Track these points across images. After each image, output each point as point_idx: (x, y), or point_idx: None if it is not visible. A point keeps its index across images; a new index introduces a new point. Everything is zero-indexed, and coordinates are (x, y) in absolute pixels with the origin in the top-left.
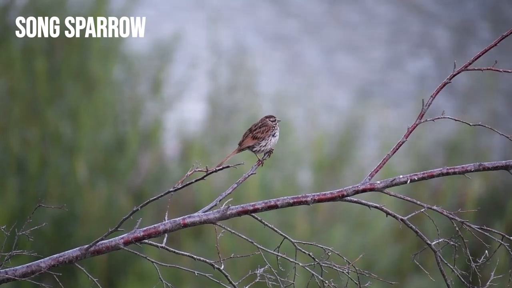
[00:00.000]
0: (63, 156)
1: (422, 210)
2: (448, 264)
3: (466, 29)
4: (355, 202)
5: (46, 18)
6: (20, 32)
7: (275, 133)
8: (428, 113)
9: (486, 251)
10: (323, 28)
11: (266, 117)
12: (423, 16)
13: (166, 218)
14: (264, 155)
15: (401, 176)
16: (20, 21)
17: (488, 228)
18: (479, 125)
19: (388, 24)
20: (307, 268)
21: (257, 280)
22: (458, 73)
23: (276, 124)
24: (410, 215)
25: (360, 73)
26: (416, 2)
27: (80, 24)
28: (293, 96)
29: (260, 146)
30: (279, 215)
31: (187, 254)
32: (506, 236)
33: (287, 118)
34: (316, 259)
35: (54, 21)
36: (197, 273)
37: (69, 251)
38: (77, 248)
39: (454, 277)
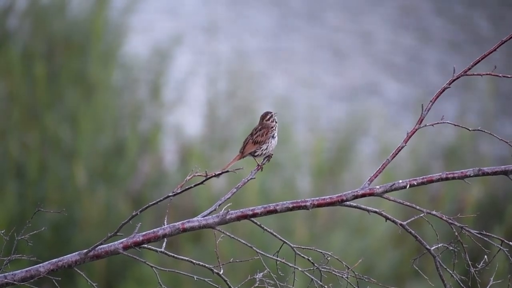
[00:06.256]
0: (62, 160)
1: (421, 215)
2: (448, 269)
3: None
4: (354, 207)
5: (46, 22)
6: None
7: (274, 134)
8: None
9: (486, 256)
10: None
11: (265, 117)
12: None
13: (165, 222)
14: (264, 159)
15: (400, 181)
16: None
17: (487, 233)
18: (478, 130)
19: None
20: (306, 273)
21: (256, 284)
22: (458, 78)
23: (274, 120)
24: (409, 220)
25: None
26: None
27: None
28: (292, 101)
29: (262, 150)
30: (279, 220)
31: (186, 258)
32: (506, 241)
33: (287, 123)
34: (316, 264)
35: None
36: (196, 278)
37: (68, 255)
38: (76, 253)
39: (453, 282)
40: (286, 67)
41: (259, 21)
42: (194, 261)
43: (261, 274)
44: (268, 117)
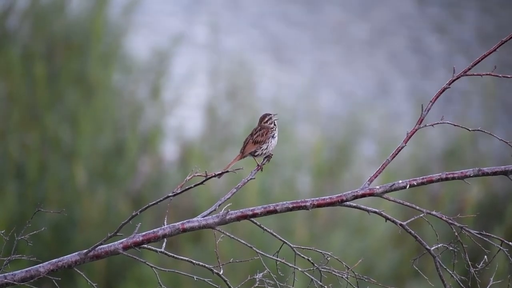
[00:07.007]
0: (62, 161)
1: (421, 215)
2: (447, 269)
3: None
4: (354, 207)
5: (46, 22)
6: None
7: (274, 134)
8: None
9: (485, 256)
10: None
11: (263, 119)
12: None
13: (165, 223)
14: (263, 160)
15: (400, 181)
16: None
17: (487, 234)
18: (478, 130)
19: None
20: (306, 273)
21: (256, 285)
22: (458, 78)
23: (273, 122)
24: (409, 220)
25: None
26: None
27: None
28: (292, 101)
29: (262, 150)
30: (278, 220)
31: (186, 259)
32: (505, 241)
33: (286, 123)
34: (315, 264)
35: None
36: (196, 278)
37: (68, 256)
38: (76, 253)
39: (453, 282)
40: (287, 65)
41: (260, 18)
42: (194, 261)
43: (261, 274)
44: (266, 119)
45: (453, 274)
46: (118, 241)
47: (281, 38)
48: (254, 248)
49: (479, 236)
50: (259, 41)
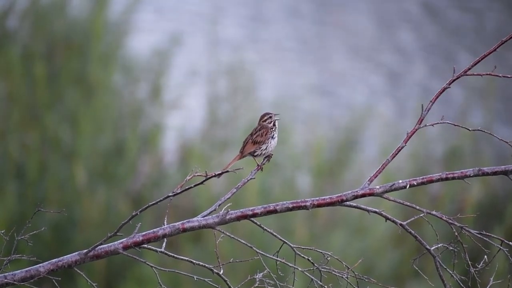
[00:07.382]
0: (62, 161)
1: (421, 215)
2: (447, 269)
3: None
4: (354, 207)
5: (46, 22)
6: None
7: (273, 135)
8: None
9: (485, 256)
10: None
11: (262, 118)
12: None
13: (165, 223)
14: (263, 160)
15: (400, 181)
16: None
17: (487, 233)
18: (478, 130)
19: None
20: (306, 273)
21: (256, 285)
22: (458, 78)
23: (273, 122)
24: (409, 220)
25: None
26: None
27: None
28: (292, 102)
29: (261, 150)
30: (279, 220)
31: (186, 258)
32: (505, 241)
33: (286, 123)
34: (315, 264)
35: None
36: (196, 278)
37: (68, 255)
38: (76, 253)
39: (453, 282)
40: (290, 65)
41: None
42: (194, 261)
43: (261, 274)
44: (265, 118)
45: (453, 274)
46: (118, 241)
47: (282, 37)
48: (254, 248)
49: (479, 236)
50: (259, 41)
